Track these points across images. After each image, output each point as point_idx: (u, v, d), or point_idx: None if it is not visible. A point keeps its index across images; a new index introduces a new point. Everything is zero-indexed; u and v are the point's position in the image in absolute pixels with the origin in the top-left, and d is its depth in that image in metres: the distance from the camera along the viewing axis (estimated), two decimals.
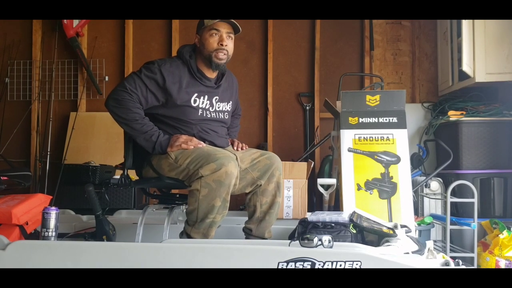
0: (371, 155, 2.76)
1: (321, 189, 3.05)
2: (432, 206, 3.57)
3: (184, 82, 2.40)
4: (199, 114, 2.43)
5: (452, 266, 1.87)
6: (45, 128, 4.30)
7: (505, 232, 3.00)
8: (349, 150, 2.79)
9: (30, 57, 4.42)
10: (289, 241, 1.96)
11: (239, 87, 2.75)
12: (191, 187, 2.22)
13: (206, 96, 2.45)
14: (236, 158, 2.36)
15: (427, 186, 3.48)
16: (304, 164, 3.26)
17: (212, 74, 2.49)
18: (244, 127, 3.40)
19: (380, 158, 2.75)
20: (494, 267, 2.96)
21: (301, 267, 1.82)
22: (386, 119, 2.82)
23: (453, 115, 3.56)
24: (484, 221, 3.26)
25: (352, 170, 2.74)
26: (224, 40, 2.41)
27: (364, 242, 2.26)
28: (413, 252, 1.99)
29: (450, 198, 3.10)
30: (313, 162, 3.34)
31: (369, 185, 2.70)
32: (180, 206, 2.59)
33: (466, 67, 3.45)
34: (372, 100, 2.86)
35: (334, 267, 1.81)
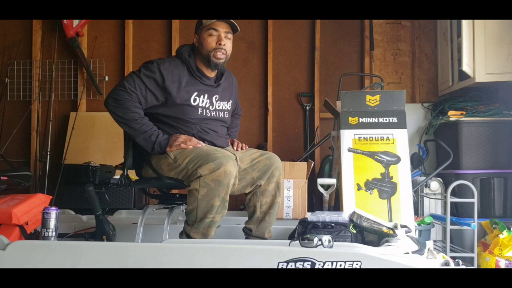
0: (371, 155, 2.76)
1: (321, 189, 3.05)
2: (432, 206, 3.57)
3: (183, 81, 2.40)
4: (199, 113, 2.43)
5: (452, 266, 1.87)
6: (45, 128, 4.30)
7: (505, 232, 3.00)
8: (349, 150, 2.79)
9: (30, 57, 4.42)
10: (289, 241, 1.96)
11: (239, 87, 2.75)
12: (190, 187, 2.22)
13: (206, 95, 2.45)
14: (236, 158, 2.36)
15: (427, 186, 3.48)
16: (304, 164, 3.26)
17: (211, 73, 2.49)
18: (244, 127, 3.40)
19: (380, 158, 2.75)
20: (494, 267, 2.96)
21: (301, 267, 1.82)
22: (386, 119, 2.82)
23: (453, 115, 3.56)
24: (484, 221, 3.27)
25: (352, 170, 2.74)
26: (222, 40, 2.42)
27: (364, 242, 2.26)
28: (413, 252, 1.99)
29: (450, 198, 3.10)
30: (313, 162, 3.34)
31: (369, 185, 2.70)
32: (180, 206, 2.59)
33: (466, 67, 3.46)
34: (372, 100, 2.86)
35: (334, 267, 1.81)
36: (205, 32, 2.43)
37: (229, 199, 2.27)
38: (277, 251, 1.87)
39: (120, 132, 2.47)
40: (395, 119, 2.82)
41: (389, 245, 2.06)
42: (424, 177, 3.46)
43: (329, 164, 3.85)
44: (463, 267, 1.92)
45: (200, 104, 2.43)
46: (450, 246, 3.10)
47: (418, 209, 3.52)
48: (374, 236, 2.34)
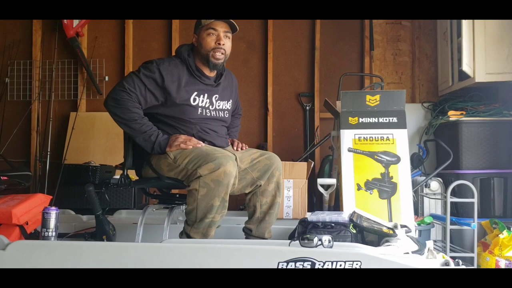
0: (371, 155, 2.76)
1: (321, 189, 3.05)
2: (432, 206, 3.57)
3: (183, 80, 2.40)
4: (199, 113, 2.43)
5: (452, 266, 1.87)
6: (45, 128, 4.30)
7: (505, 232, 3.00)
8: (349, 150, 2.79)
9: (30, 57, 4.42)
10: (289, 241, 1.96)
11: (239, 87, 2.74)
12: (189, 187, 2.22)
13: (206, 95, 2.45)
14: (236, 158, 2.36)
15: (427, 186, 3.48)
16: (304, 164, 3.26)
17: (211, 73, 2.49)
18: (244, 127, 3.40)
19: (380, 158, 2.75)
20: (494, 267, 2.96)
21: (301, 267, 1.82)
22: (386, 119, 2.82)
23: (453, 115, 3.56)
24: (484, 221, 3.27)
25: (352, 170, 2.74)
26: (221, 39, 2.42)
27: (364, 242, 2.26)
28: (413, 252, 1.99)
29: (450, 198, 3.10)
30: (313, 162, 3.34)
31: (369, 185, 2.70)
32: (180, 206, 2.59)
33: (466, 67, 3.46)
34: (372, 100, 2.86)
35: (334, 267, 1.81)
36: (204, 32, 2.42)
37: (229, 199, 2.26)
38: (277, 251, 1.87)
39: (120, 132, 2.47)
40: (395, 119, 2.82)
41: (389, 245, 2.06)
42: (424, 177, 3.46)
43: (329, 164, 3.85)
44: (463, 267, 1.92)
45: (200, 104, 2.43)
46: (450, 246, 3.10)
47: (418, 209, 3.52)
48: (374, 236, 2.34)
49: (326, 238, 1.88)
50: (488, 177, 3.46)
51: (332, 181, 3.04)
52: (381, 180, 2.70)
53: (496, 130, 3.47)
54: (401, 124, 2.81)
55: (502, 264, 2.94)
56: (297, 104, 4.40)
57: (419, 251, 2.00)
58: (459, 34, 3.56)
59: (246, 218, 2.55)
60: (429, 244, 2.03)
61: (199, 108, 2.43)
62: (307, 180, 3.23)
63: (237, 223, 2.78)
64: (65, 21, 4.31)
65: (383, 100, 2.85)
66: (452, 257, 2.28)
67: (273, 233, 2.56)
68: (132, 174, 2.54)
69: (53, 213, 2.22)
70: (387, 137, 2.79)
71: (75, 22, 4.34)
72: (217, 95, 2.50)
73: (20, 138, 4.32)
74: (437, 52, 4.25)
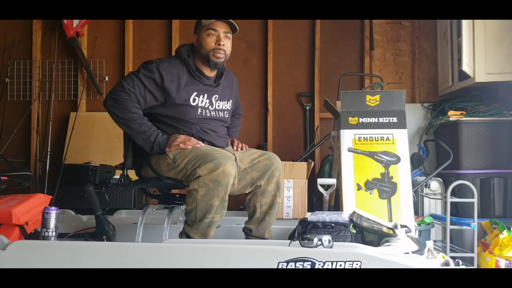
0: (371, 155, 2.76)
1: (321, 189, 3.05)
2: (432, 206, 3.57)
3: (183, 81, 2.40)
4: (199, 113, 2.43)
5: (452, 266, 1.87)
6: (45, 128, 4.30)
7: (505, 232, 3.00)
8: (349, 150, 2.79)
9: (30, 57, 4.42)
10: (289, 241, 1.96)
11: (239, 87, 2.74)
12: (189, 187, 2.22)
13: (206, 95, 2.45)
14: (235, 158, 2.36)
15: (427, 186, 3.48)
16: (304, 164, 3.26)
17: (211, 73, 2.49)
18: (244, 127, 3.40)
19: (380, 158, 2.75)
20: (494, 267, 2.96)
21: (301, 267, 1.82)
22: (386, 119, 2.82)
23: (453, 115, 3.56)
24: (484, 221, 3.27)
25: (352, 170, 2.74)
26: (221, 40, 2.41)
27: (364, 242, 2.26)
28: (413, 252, 1.99)
29: (450, 198, 3.10)
30: (313, 162, 3.34)
31: (369, 185, 2.70)
32: (180, 206, 2.59)
33: (466, 67, 3.46)
34: (372, 100, 2.86)
35: (334, 267, 1.81)
36: (204, 32, 2.42)
37: (229, 199, 2.27)
38: (277, 251, 1.87)
39: (120, 132, 2.47)
40: (395, 119, 2.82)
41: (389, 245, 2.06)
42: (424, 177, 3.46)
43: (329, 164, 3.85)
44: (463, 267, 1.92)
45: (200, 104, 2.43)
46: (450, 246, 3.10)
47: (418, 209, 3.52)
48: (374, 236, 2.34)
49: (326, 238, 1.88)
50: (488, 177, 3.46)
51: (332, 181, 3.04)
52: (381, 180, 2.70)
53: (496, 130, 3.47)
54: (401, 124, 2.81)
55: (502, 264, 2.94)
56: (297, 104, 4.40)
57: (419, 251, 2.00)
58: (459, 34, 3.56)
59: (246, 218, 2.55)
60: (429, 244, 2.03)
61: (199, 108, 2.43)
62: (307, 180, 3.23)
63: (237, 223, 2.78)
64: (65, 21, 4.31)
65: (383, 100, 2.85)
66: (452, 257, 2.28)
67: (273, 233, 2.56)
68: (132, 174, 2.54)
69: (53, 213, 2.22)
70: (387, 137, 2.79)
71: (75, 22, 4.34)
72: (216, 95, 2.50)
73: (20, 138, 4.32)
74: (437, 52, 4.25)
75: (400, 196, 2.66)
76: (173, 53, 2.55)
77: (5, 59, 4.37)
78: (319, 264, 1.82)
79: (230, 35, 2.47)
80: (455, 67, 3.75)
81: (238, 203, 3.92)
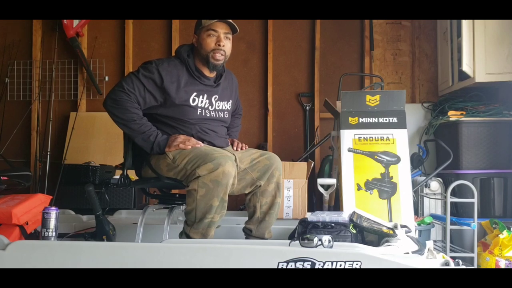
0: (371, 155, 2.76)
1: (321, 189, 3.05)
2: (432, 206, 3.57)
3: (182, 81, 2.39)
4: (198, 113, 2.43)
5: (452, 266, 1.87)
6: (45, 128, 4.30)
7: (505, 232, 3.00)
8: (349, 150, 2.79)
9: (30, 57, 4.42)
10: (289, 241, 1.96)
11: (239, 87, 2.74)
12: (188, 187, 2.22)
13: (205, 95, 2.45)
14: (235, 158, 2.36)
15: (427, 186, 3.48)
16: (304, 164, 3.26)
17: (211, 73, 2.49)
18: (244, 127, 3.40)
19: (380, 158, 2.75)
20: (494, 267, 2.96)
21: (301, 267, 1.82)
22: (386, 119, 2.82)
23: (453, 115, 3.56)
24: (484, 221, 3.26)
25: (352, 170, 2.74)
26: (221, 41, 2.41)
27: (364, 242, 2.26)
28: (413, 252, 1.99)
29: (450, 198, 3.10)
30: (313, 162, 3.34)
31: (369, 185, 2.70)
32: (180, 206, 2.59)
33: (466, 67, 3.46)
34: (372, 100, 2.86)
35: (334, 267, 1.81)
36: (204, 33, 2.42)
37: (229, 199, 2.26)
38: (277, 251, 1.87)
39: (120, 132, 2.47)
40: (395, 119, 2.82)
41: (389, 245, 2.06)
42: (424, 177, 3.46)
43: (329, 164, 3.85)
44: (463, 267, 1.92)
45: (199, 105, 2.43)
46: (450, 246, 3.10)
47: (418, 209, 3.52)
48: (374, 236, 2.34)
49: (326, 238, 1.88)
50: (488, 177, 3.46)
51: (332, 181, 3.04)
52: (381, 180, 2.70)
53: (496, 130, 3.47)
54: (401, 124, 2.81)
55: (502, 264, 2.94)
56: (297, 104, 4.40)
57: (419, 251, 2.00)
58: (459, 34, 3.56)
59: (246, 218, 2.55)
60: (429, 244, 2.03)
61: (199, 109, 2.43)
62: (307, 180, 3.23)
63: (237, 223, 2.78)
64: (65, 21, 4.31)
65: (383, 100, 2.85)
66: (452, 257, 2.28)
67: (273, 233, 2.56)
68: (132, 174, 2.54)
69: (53, 213, 2.22)
70: (387, 137, 2.79)
71: (75, 22, 4.34)
72: (216, 96, 2.50)
73: (20, 138, 4.32)
74: (437, 52, 4.25)
75: (400, 196, 2.66)
76: (173, 53, 2.55)
77: (5, 59, 4.37)
78: (319, 264, 1.82)
79: (230, 36, 2.46)
80: (455, 67, 3.74)
81: (238, 203, 3.92)
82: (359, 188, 2.70)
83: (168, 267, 1.84)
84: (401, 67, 4.34)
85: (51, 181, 4.04)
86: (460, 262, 1.99)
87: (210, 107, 2.47)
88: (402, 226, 2.37)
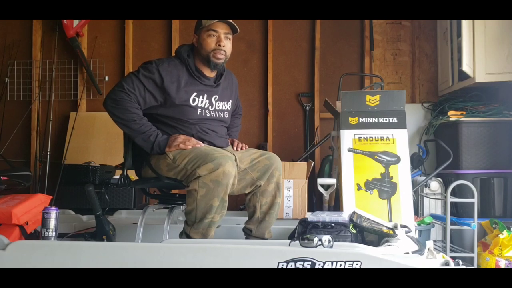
0: (371, 155, 2.76)
1: (321, 189, 3.05)
2: (432, 206, 3.57)
3: (182, 81, 2.39)
4: (198, 113, 2.43)
5: (452, 266, 1.87)
6: (45, 128, 4.30)
7: (505, 232, 3.00)
8: (349, 150, 2.79)
9: (30, 57, 4.42)
10: (289, 241, 1.96)
11: (239, 87, 2.74)
12: (189, 187, 2.22)
13: (206, 95, 2.45)
14: (235, 158, 2.36)
15: (427, 186, 3.48)
16: (304, 164, 3.26)
17: (211, 73, 2.49)
18: (244, 127, 3.40)
19: (380, 158, 2.75)
20: (494, 267, 2.96)
21: (301, 267, 1.82)
22: (386, 119, 2.82)
23: (453, 115, 3.56)
24: (484, 221, 3.26)
25: (352, 170, 2.74)
26: (222, 41, 2.41)
27: (364, 242, 2.26)
28: (413, 252, 1.99)
29: (450, 198, 3.10)
30: (313, 162, 3.34)
31: (369, 185, 2.70)
32: (180, 206, 2.59)
33: (466, 67, 3.46)
34: (372, 100, 2.86)
35: (334, 267, 1.81)
36: (204, 33, 2.42)
37: (229, 199, 2.27)
38: (277, 251, 1.87)
39: (120, 132, 2.47)
40: (395, 119, 2.82)
41: (389, 245, 2.06)
42: (424, 177, 3.46)
43: (329, 164, 3.85)
44: (463, 267, 1.92)
45: (200, 105, 2.43)
46: (450, 246, 3.10)
47: (418, 209, 3.52)
48: (374, 236, 2.34)
49: (326, 238, 1.88)
50: (488, 177, 3.46)
51: (332, 181, 3.04)
52: (381, 180, 2.70)
53: (496, 130, 3.47)
54: (401, 124, 2.81)
55: (502, 264, 2.94)
56: (297, 104, 4.40)
57: (419, 251, 2.00)
58: (459, 34, 3.56)
59: (246, 218, 2.55)
60: (429, 244, 2.03)
61: (199, 109, 2.43)
62: (307, 180, 3.24)
63: (237, 223, 2.78)
64: (65, 21, 4.31)
65: (383, 100, 2.85)
66: (452, 257, 2.28)
67: (273, 233, 2.56)
68: (132, 174, 2.54)
69: (53, 213, 2.22)
70: (387, 137, 2.79)
71: (75, 22, 4.34)
72: (216, 96, 2.50)
73: (20, 138, 4.32)
74: (437, 52, 4.25)
75: (400, 196, 2.66)
76: (173, 53, 2.55)
77: (5, 59, 4.37)
78: (319, 264, 1.82)
79: (230, 36, 2.47)
80: (455, 67, 3.75)
81: (238, 203, 3.92)
82: (359, 188, 2.70)
83: (168, 267, 1.84)
84: (401, 67, 4.34)
85: (51, 181, 4.04)
86: (460, 262, 1.99)
87: (210, 107, 2.47)
88: (402, 226, 2.37)
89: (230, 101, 2.59)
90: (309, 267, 1.82)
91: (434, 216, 3.38)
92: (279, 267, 1.83)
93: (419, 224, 3.11)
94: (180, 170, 2.27)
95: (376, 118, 2.83)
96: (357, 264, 1.81)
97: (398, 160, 2.74)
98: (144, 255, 1.93)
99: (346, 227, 2.24)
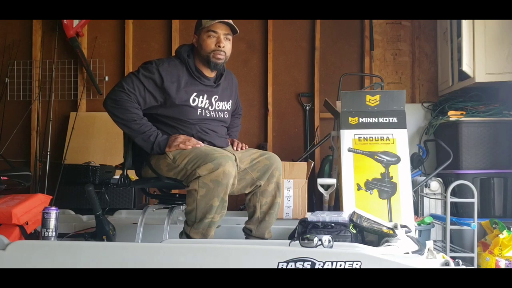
0: (371, 155, 2.76)
1: (321, 189, 3.05)
2: (432, 206, 3.57)
3: (182, 81, 2.39)
4: (198, 113, 2.43)
5: (452, 266, 1.87)
6: (45, 128, 4.30)
7: (505, 232, 3.00)
8: (349, 150, 2.79)
9: (30, 57, 4.42)
10: (289, 241, 1.96)
11: (239, 87, 2.74)
12: (189, 187, 2.22)
13: (205, 95, 2.45)
14: (235, 158, 2.36)
15: (427, 186, 3.48)
16: (304, 164, 3.26)
17: (211, 73, 2.49)
18: (244, 127, 3.41)
19: (380, 158, 2.75)
20: (494, 267, 2.96)
21: (301, 267, 1.82)
22: (386, 119, 2.82)
23: (453, 115, 3.56)
24: (484, 221, 3.26)
25: (352, 170, 2.74)
26: (221, 42, 2.41)
27: (364, 242, 2.26)
28: (413, 252, 1.99)
29: (450, 198, 3.10)
30: (313, 162, 3.34)
31: (369, 185, 2.70)
32: (180, 206, 2.59)
33: (466, 67, 3.46)
34: (372, 100, 2.86)
35: (334, 267, 1.81)
36: (204, 34, 2.42)
37: (229, 199, 2.27)
38: (277, 251, 1.87)
39: (120, 132, 2.47)
40: (395, 119, 2.82)
41: (389, 245, 2.06)
42: (424, 177, 3.46)
43: (329, 164, 3.85)
44: (463, 267, 1.92)
45: (200, 105, 2.43)
46: (450, 246, 3.10)
47: (418, 209, 3.52)
48: (374, 236, 2.34)
49: (326, 238, 1.88)
50: (488, 177, 3.46)
51: (332, 181, 3.04)
52: (381, 180, 2.70)
53: (496, 130, 3.47)
54: (401, 124, 2.81)
55: (502, 264, 2.94)
56: (297, 104, 4.40)
57: (419, 251, 2.00)
58: (459, 34, 3.56)
59: (246, 218, 2.55)
60: (429, 244, 2.03)
61: (199, 109, 2.43)
62: (307, 180, 3.23)
63: (237, 223, 2.78)
64: (65, 21, 4.31)
65: (383, 100, 2.85)
66: (452, 257, 2.28)
67: (273, 233, 2.56)
68: (132, 174, 2.54)
69: (53, 213, 2.22)
70: (387, 137, 2.79)
71: (75, 22, 4.34)
72: (216, 96, 2.50)
73: (20, 138, 4.32)
74: (437, 52, 4.25)
75: (400, 196, 2.66)
76: (173, 53, 2.55)
77: (5, 59, 4.37)
78: (319, 264, 1.82)
79: (230, 37, 2.47)
80: (455, 67, 3.75)
81: (238, 203, 3.92)
82: (359, 188, 2.70)
83: (168, 267, 1.84)
84: (401, 67, 4.34)
85: (51, 181, 4.04)
86: (460, 262, 1.99)
87: (210, 107, 2.47)
88: (402, 226, 2.37)
89: (230, 101, 2.59)
90: (309, 267, 1.82)
91: (434, 216, 3.38)
92: (279, 267, 1.83)
93: (419, 224, 3.11)
94: (180, 170, 2.27)
95: (376, 118, 2.83)
96: (357, 264, 1.81)
97: (398, 160, 2.74)
98: (144, 255, 1.94)
99: (346, 227, 2.24)
